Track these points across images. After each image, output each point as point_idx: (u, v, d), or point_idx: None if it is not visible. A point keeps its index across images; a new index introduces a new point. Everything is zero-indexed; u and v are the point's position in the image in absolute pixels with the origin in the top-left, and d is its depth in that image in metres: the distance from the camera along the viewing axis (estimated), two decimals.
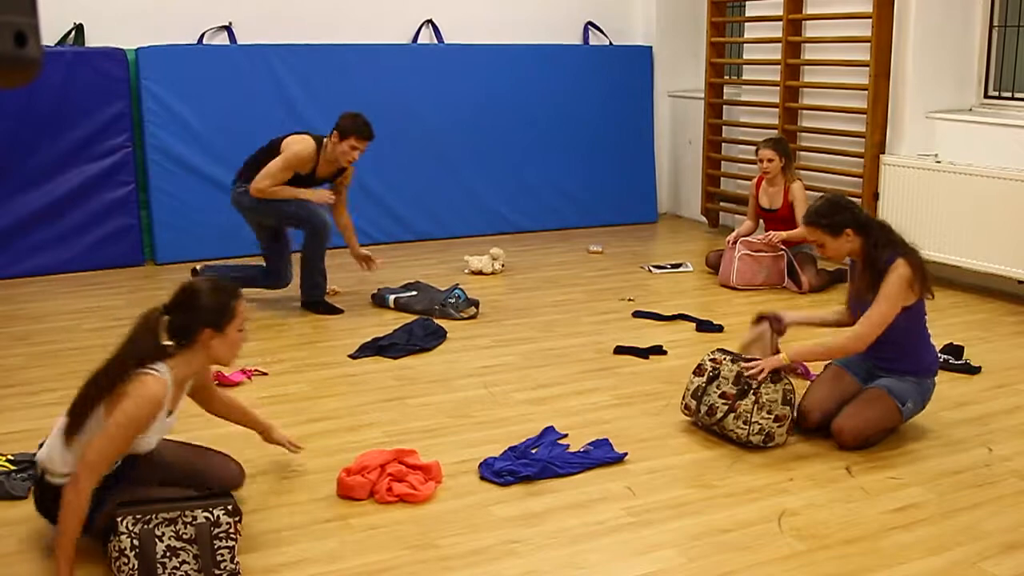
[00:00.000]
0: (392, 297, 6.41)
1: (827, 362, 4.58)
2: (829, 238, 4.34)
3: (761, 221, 7.39)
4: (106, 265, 7.44)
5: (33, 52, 1.66)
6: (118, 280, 7.16)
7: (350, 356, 5.48)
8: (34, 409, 4.72)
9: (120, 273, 7.35)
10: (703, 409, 4.35)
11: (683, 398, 4.48)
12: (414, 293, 6.43)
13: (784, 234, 6.98)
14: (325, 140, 6.17)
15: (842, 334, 4.34)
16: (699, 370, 4.43)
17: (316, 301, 6.35)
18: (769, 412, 4.20)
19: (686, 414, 4.47)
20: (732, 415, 4.23)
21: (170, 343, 3.31)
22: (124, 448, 3.24)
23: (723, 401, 4.27)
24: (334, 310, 6.32)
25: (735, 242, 7.04)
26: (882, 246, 4.27)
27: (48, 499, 3.31)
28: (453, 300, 6.22)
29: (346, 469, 3.86)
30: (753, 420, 4.18)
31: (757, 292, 6.85)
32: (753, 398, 4.19)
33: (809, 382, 4.68)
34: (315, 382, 5.11)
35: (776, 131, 7.81)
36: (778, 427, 4.23)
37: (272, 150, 6.17)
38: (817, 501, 3.79)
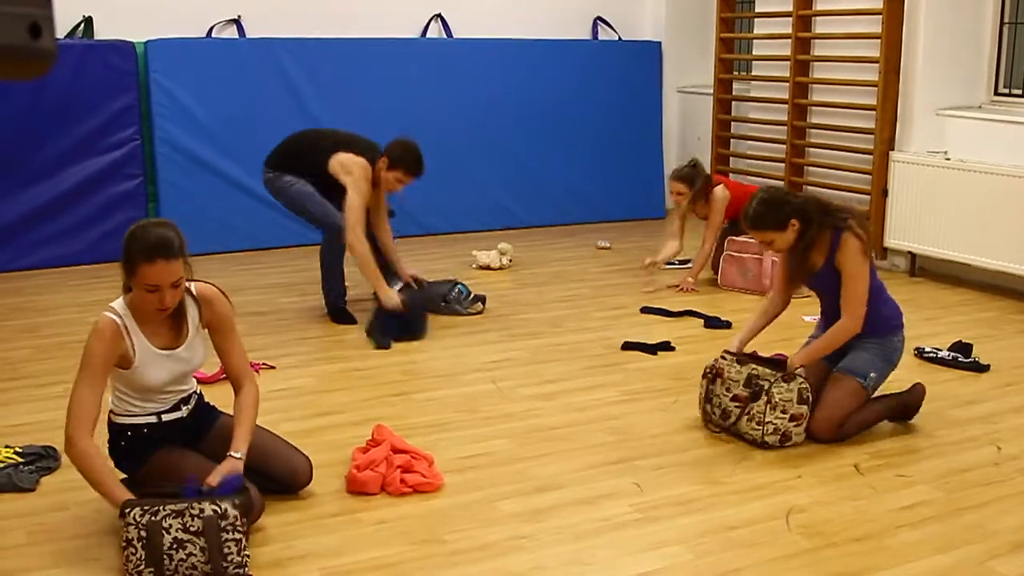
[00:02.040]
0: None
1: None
2: (777, 234, 4.33)
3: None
4: (114, 258, 7.28)
5: (48, 44, 1.65)
6: None
7: (379, 347, 5.48)
8: (41, 402, 4.72)
9: None
10: (716, 412, 4.33)
11: (699, 406, 4.46)
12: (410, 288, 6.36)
13: (691, 279, 6.90)
14: (378, 163, 5.92)
15: (836, 326, 4.29)
16: (704, 373, 4.43)
17: (340, 309, 6.06)
18: (784, 412, 4.16)
19: (705, 420, 4.44)
20: (746, 417, 4.21)
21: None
22: (97, 385, 3.33)
23: (735, 404, 4.25)
24: (352, 319, 6.02)
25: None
26: (822, 227, 4.28)
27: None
28: (457, 295, 6.20)
29: (355, 465, 3.86)
30: (767, 420, 4.15)
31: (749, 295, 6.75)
32: (765, 398, 4.16)
33: None
34: (322, 376, 5.11)
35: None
36: (795, 426, 4.19)
37: (313, 146, 5.98)
38: (825, 499, 3.78)
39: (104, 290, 6.69)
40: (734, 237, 6.93)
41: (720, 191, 6.95)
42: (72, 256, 7.38)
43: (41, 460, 3.97)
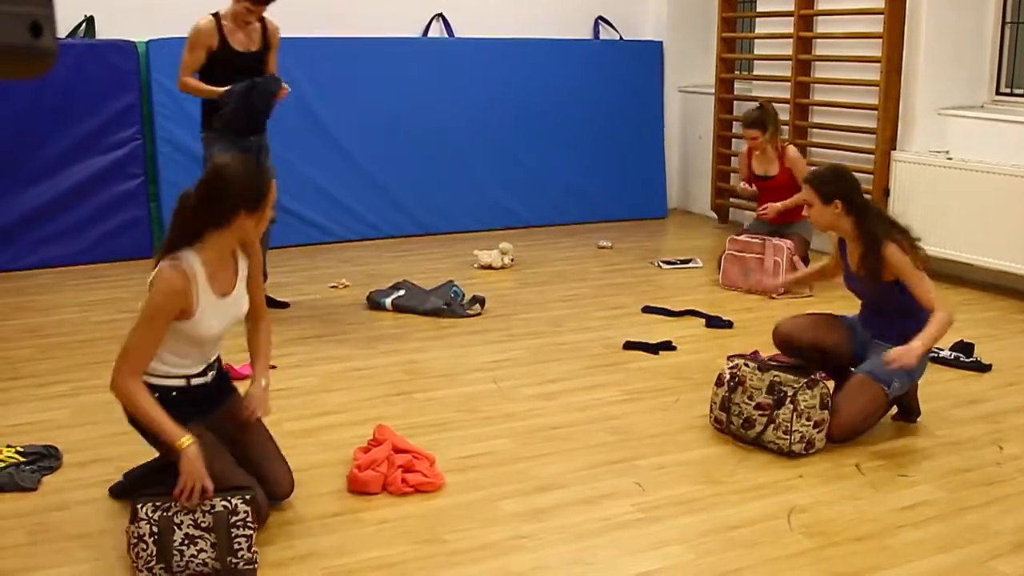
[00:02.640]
0: (388, 300, 6.28)
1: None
2: (819, 202, 4.35)
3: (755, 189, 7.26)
4: (115, 257, 7.45)
5: (49, 43, 1.66)
6: (127, 272, 7.16)
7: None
8: (43, 401, 4.73)
9: (129, 265, 7.35)
10: (737, 421, 4.26)
11: (710, 412, 4.42)
12: (402, 292, 6.36)
13: (779, 205, 6.94)
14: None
15: (935, 319, 4.17)
16: (719, 380, 4.37)
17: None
18: (808, 419, 4.11)
19: (717, 427, 4.39)
20: (772, 426, 4.14)
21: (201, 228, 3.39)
22: (156, 336, 3.31)
23: (760, 412, 4.17)
24: (280, 304, 6.15)
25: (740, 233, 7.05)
26: (874, 230, 4.28)
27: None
28: (453, 298, 6.21)
29: (356, 465, 3.86)
30: (794, 429, 4.09)
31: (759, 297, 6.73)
32: (791, 406, 4.09)
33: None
34: (323, 376, 5.11)
35: (758, 109, 7.29)
36: (818, 433, 4.15)
37: None
38: (826, 498, 3.78)
39: (105, 289, 6.71)
40: (735, 237, 6.93)
41: (793, 149, 7.13)
42: (73, 256, 7.38)
43: (42, 460, 3.97)
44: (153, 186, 7.65)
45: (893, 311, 4.34)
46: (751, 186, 7.19)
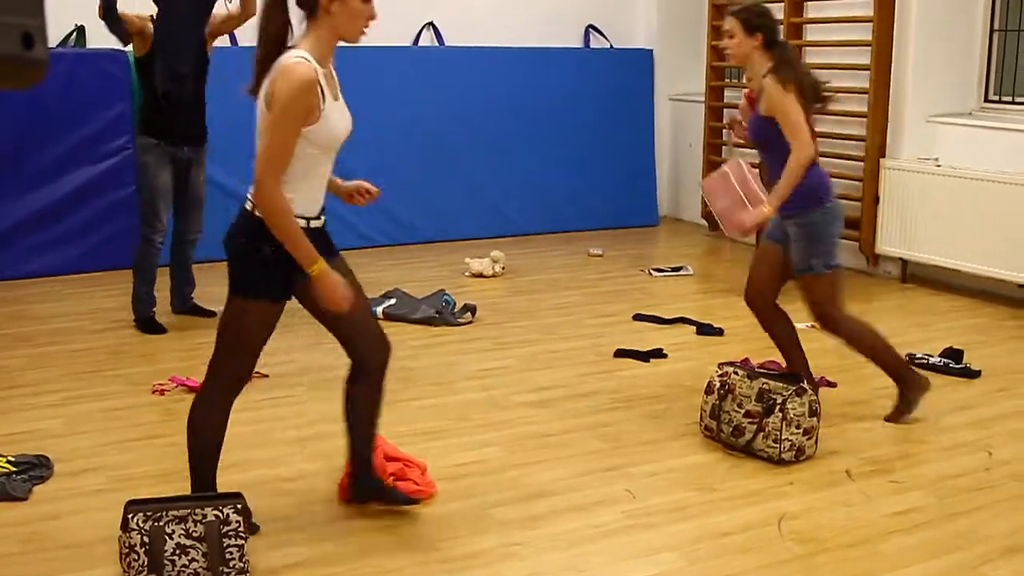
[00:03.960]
0: (380, 309, 6.27)
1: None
2: (742, 33, 4.48)
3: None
4: (108, 266, 7.44)
5: (40, 54, 1.68)
6: (120, 281, 7.13)
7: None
8: (36, 411, 4.73)
9: (122, 274, 7.30)
10: (727, 429, 4.28)
11: (700, 420, 4.44)
12: (393, 301, 6.37)
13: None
14: None
15: (790, 158, 4.32)
16: (709, 388, 4.39)
17: (149, 318, 6.10)
18: (798, 427, 4.13)
19: (707, 435, 4.40)
20: (761, 434, 4.15)
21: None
22: (293, 136, 3.16)
23: (749, 420, 4.19)
24: (160, 329, 6.06)
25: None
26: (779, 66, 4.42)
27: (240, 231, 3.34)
28: (444, 306, 6.22)
29: (347, 474, 3.86)
30: (784, 437, 4.11)
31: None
32: (780, 414, 4.11)
33: (827, 386, 4.79)
34: (315, 385, 5.11)
35: None
36: (807, 440, 4.17)
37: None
38: (817, 505, 3.79)
39: (98, 298, 6.72)
40: (747, 164, 6.80)
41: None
42: (68, 264, 7.38)
43: (34, 469, 3.97)
44: None
45: (777, 154, 4.42)
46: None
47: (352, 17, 3.28)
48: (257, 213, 3.23)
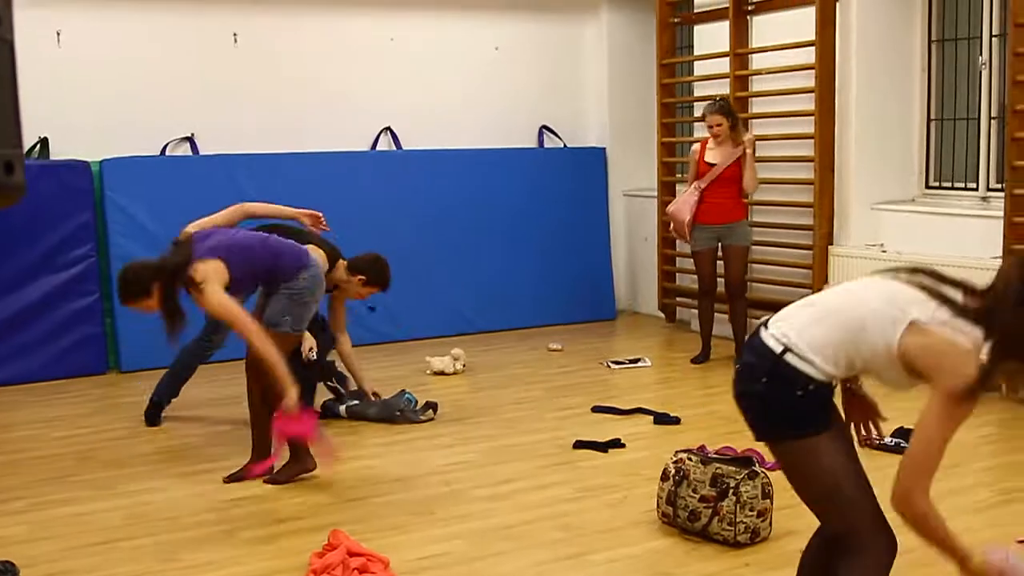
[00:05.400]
0: (343, 407, 6.36)
1: None
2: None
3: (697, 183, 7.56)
4: (71, 374, 7.48)
5: (19, 179, 1.87)
6: (83, 388, 7.22)
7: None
8: (2, 517, 4.75)
9: (85, 381, 7.40)
10: (683, 515, 4.36)
11: (657, 507, 4.51)
12: (356, 401, 6.43)
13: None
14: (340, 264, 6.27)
15: None
16: (665, 475, 4.47)
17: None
18: (752, 509, 4.22)
19: (665, 521, 4.47)
20: (716, 518, 4.24)
21: None
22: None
23: (704, 505, 4.28)
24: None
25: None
26: None
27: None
28: (406, 404, 6.28)
29: (312, 570, 3.92)
30: (738, 520, 4.21)
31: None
32: (734, 498, 4.20)
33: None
34: (277, 485, 5.16)
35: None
36: (762, 521, 4.26)
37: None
38: None
39: (62, 405, 6.75)
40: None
41: (751, 141, 7.46)
42: (31, 372, 7.40)
43: (8, 573, 3.99)
44: (108, 302, 7.70)
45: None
46: (700, 184, 7.50)
47: None
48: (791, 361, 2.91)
